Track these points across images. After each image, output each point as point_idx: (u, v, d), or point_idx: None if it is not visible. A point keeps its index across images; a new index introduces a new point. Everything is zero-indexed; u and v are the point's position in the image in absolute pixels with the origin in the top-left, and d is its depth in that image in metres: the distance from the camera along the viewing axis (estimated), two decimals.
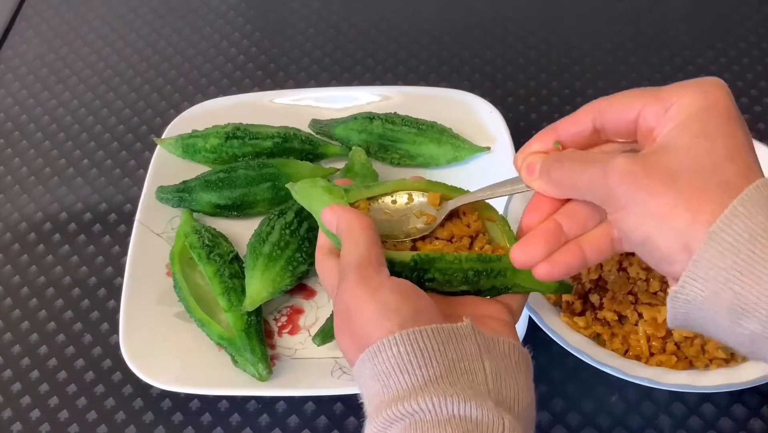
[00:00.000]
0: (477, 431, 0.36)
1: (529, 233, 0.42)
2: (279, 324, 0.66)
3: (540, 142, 0.43)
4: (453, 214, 0.47)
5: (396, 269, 0.44)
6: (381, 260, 0.42)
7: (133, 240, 0.68)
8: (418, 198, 0.48)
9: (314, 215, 0.47)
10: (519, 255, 0.42)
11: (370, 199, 0.47)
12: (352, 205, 0.46)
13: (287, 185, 0.49)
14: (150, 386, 0.62)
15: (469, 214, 0.47)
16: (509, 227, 0.48)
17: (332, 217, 0.45)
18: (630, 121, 0.40)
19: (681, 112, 0.37)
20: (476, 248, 0.46)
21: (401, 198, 0.48)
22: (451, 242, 0.46)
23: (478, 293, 0.46)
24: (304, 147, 0.74)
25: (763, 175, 0.36)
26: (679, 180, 0.36)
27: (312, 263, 0.66)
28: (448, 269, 0.44)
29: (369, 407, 0.40)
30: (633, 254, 0.61)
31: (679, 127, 0.37)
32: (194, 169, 0.72)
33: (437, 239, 0.46)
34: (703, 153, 0.36)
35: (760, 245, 0.34)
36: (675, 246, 0.36)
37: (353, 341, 0.41)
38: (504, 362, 0.40)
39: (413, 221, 0.47)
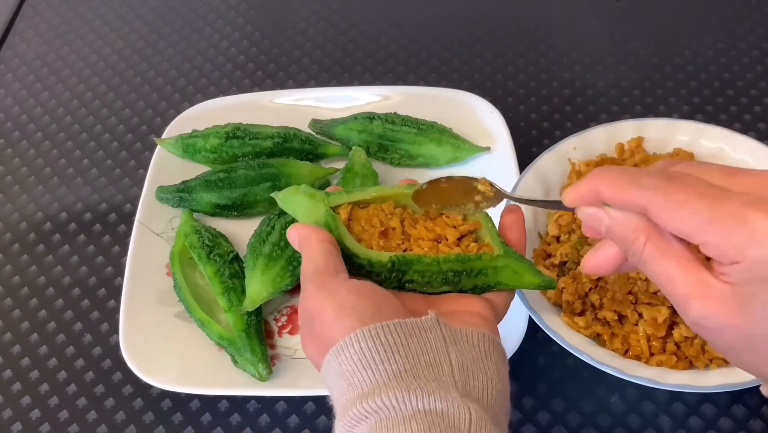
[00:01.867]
0: (443, 423, 0.36)
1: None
2: (279, 324, 0.66)
3: (585, 193, 0.40)
4: (441, 215, 0.48)
5: (375, 270, 0.45)
6: (338, 268, 0.43)
7: (133, 240, 0.68)
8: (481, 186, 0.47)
9: (298, 219, 0.48)
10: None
11: (353, 204, 0.47)
12: (334, 209, 0.46)
13: (272, 195, 0.49)
14: (150, 386, 0.62)
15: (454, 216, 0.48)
16: (493, 224, 0.48)
17: (294, 234, 0.46)
18: (689, 237, 0.36)
19: (753, 272, 0.34)
20: (462, 247, 0.47)
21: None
22: (438, 243, 0.47)
23: (463, 292, 0.46)
24: (304, 147, 0.74)
25: None
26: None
27: None
28: (426, 270, 0.45)
29: (337, 406, 0.40)
30: None
31: (755, 295, 0.34)
32: (194, 169, 0.72)
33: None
34: None
35: None
36: None
37: (317, 345, 0.41)
38: (472, 353, 0.40)
39: (470, 204, 0.47)
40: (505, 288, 0.47)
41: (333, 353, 0.39)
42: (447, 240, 0.47)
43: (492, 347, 0.41)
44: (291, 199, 0.47)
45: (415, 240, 0.47)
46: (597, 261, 0.41)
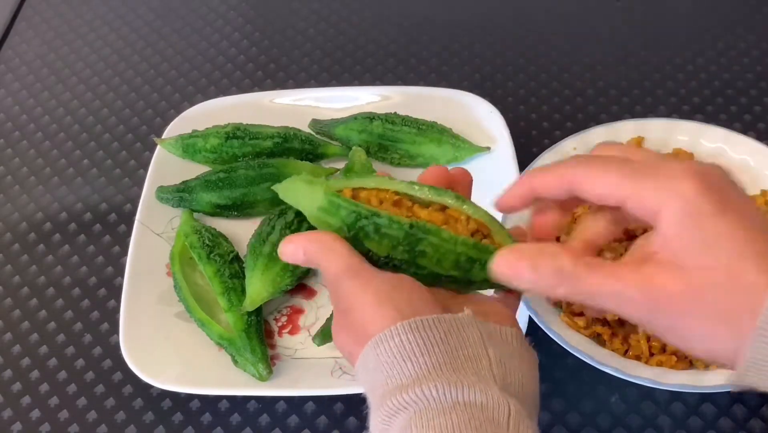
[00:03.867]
0: (482, 416, 0.36)
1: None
2: (279, 324, 0.66)
3: (518, 192, 0.42)
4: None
5: (392, 231, 0.42)
6: (365, 261, 0.42)
7: (133, 240, 0.68)
8: None
9: (303, 212, 0.46)
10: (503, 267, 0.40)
11: (355, 189, 0.45)
12: (336, 193, 0.44)
13: (272, 187, 0.48)
14: (150, 386, 0.62)
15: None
16: (502, 227, 0.46)
17: (293, 247, 0.43)
18: (613, 203, 0.38)
19: (671, 228, 0.36)
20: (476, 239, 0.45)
21: None
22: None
23: (468, 284, 0.44)
24: (304, 147, 0.74)
25: None
26: (705, 301, 0.35)
27: None
28: (441, 246, 0.43)
29: (372, 398, 0.40)
30: None
31: (678, 247, 0.36)
32: (194, 169, 0.72)
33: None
34: (714, 266, 0.35)
35: None
36: (720, 352, 0.36)
37: (351, 334, 0.41)
38: (508, 349, 0.40)
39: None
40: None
41: (372, 344, 0.39)
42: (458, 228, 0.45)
43: (524, 346, 0.42)
44: (290, 188, 0.46)
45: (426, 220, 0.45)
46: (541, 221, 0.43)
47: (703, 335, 0.36)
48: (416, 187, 0.45)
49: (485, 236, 0.44)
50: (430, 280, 0.44)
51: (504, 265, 0.39)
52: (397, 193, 0.45)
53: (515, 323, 0.43)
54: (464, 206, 0.44)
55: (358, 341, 0.40)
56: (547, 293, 0.39)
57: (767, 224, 0.36)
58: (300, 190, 0.45)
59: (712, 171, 0.37)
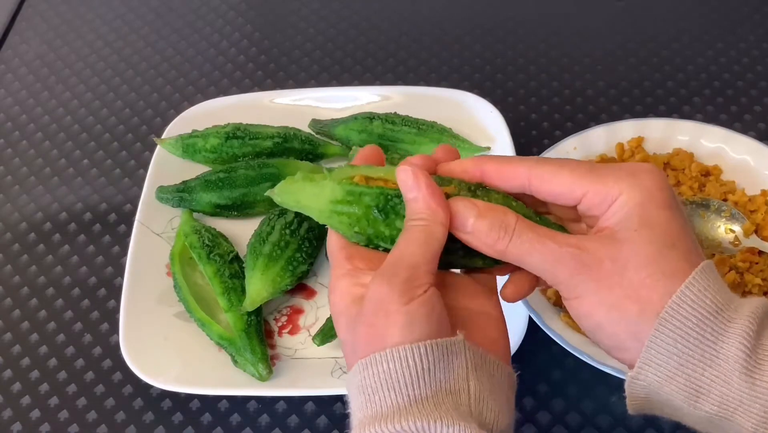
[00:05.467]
0: None
1: None
2: (279, 324, 0.66)
3: (466, 167, 0.43)
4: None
5: None
6: (432, 268, 0.40)
7: (133, 240, 0.68)
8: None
9: (307, 213, 0.43)
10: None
11: (366, 177, 0.43)
12: (352, 181, 0.42)
13: (267, 193, 0.45)
14: (150, 386, 0.62)
15: None
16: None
17: (415, 182, 0.41)
18: (568, 201, 0.41)
19: (624, 206, 0.39)
20: None
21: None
22: None
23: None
24: (304, 147, 0.74)
25: (704, 258, 0.38)
26: (627, 272, 0.38)
27: (312, 263, 0.66)
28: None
29: (353, 419, 0.40)
30: None
31: (624, 221, 0.39)
32: (194, 169, 0.72)
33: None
34: (646, 243, 0.38)
35: (709, 328, 0.36)
36: (626, 335, 0.38)
37: (365, 330, 0.39)
38: (489, 383, 0.40)
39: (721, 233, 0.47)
40: None
41: (360, 366, 0.39)
42: None
43: (506, 378, 0.42)
44: (289, 190, 0.43)
45: None
46: (511, 289, 0.44)
47: (611, 307, 0.38)
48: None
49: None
50: (462, 256, 0.43)
51: (454, 211, 0.41)
52: None
53: (499, 329, 0.43)
54: (477, 190, 0.43)
55: (368, 340, 0.39)
56: (487, 249, 0.40)
57: (694, 231, 0.40)
58: (302, 190, 0.43)
59: (662, 173, 0.40)
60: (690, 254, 0.38)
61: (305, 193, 0.43)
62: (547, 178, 0.41)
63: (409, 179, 0.41)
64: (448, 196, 0.42)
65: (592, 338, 0.40)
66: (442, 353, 0.39)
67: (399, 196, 0.42)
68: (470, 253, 0.43)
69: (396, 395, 0.38)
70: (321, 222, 0.43)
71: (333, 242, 0.44)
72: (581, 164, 0.41)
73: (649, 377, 0.38)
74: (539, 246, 0.39)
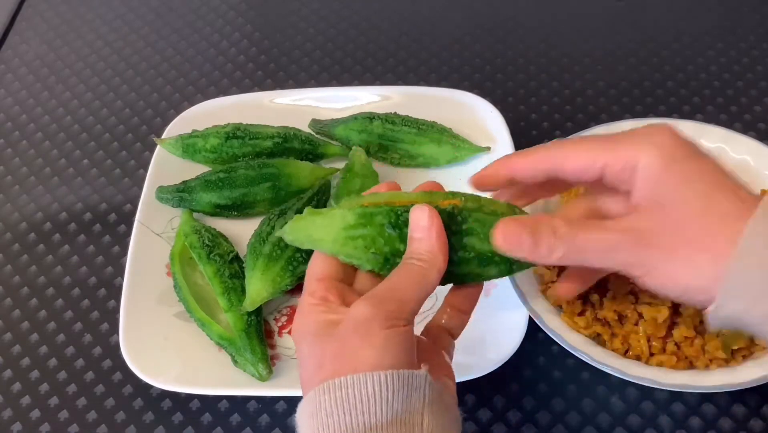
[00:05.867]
0: None
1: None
2: (279, 324, 0.66)
3: (496, 171, 0.45)
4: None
5: None
6: (416, 310, 0.42)
7: (133, 240, 0.68)
8: None
9: (320, 246, 0.44)
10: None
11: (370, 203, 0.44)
12: (361, 205, 0.43)
13: (277, 234, 0.45)
14: (150, 386, 0.62)
15: None
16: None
17: (429, 224, 0.42)
18: (592, 175, 0.42)
19: (649, 171, 0.40)
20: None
21: None
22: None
23: (513, 263, 0.44)
24: (304, 147, 0.74)
25: (751, 191, 0.39)
26: (685, 231, 0.38)
27: None
28: (486, 220, 0.43)
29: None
30: None
31: (658, 186, 0.40)
32: (194, 169, 0.72)
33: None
34: (691, 198, 0.39)
35: None
36: (707, 283, 0.38)
37: (329, 348, 0.40)
38: (442, 420, 0.40)
39: None
40: None
41: (317, 392, 0.39)
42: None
43: (457, 420, 0.42)
44: (299, 228, 0.44)
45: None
46: (566, 287, 0.46)
47: (685, 267, 0.38)
48: (425, 194, 0.45)
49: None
50: (476, 266, 0.44)
51: (505, 232, 0.41)
52: (411, 201, 0.44)
53: (452, 373, 0.45)
54: (481, 200, 0.45)
55: (339, 360, 0.39)
56: (544, 260, 0.41)
57: (730, 170, 0.40)
58: (312, 224, 0.44)
59: (679, 132, 0.42)
60: (737, 193, 0.38)
61: (316, 226, 0.43)
62: (569, 157, 0.42)
63: (423, 220, 0.42)
64: (456, 207, 0.43)
65: (683, 301, 0.41)
66: (402, 384, 0.39)
67: (407, 210, 0.42)
68: (485, 262, 0.44)
69: (351, 420, 0.38)
70: (334, 252, 0.44)
71: (316, 269, 0.44)
72: (597, 138, 0.42)
73: (730, 308, 0.38)
74: (594, 242, 0.40)
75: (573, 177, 0.43)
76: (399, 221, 0.43)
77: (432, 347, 0.46)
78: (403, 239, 0.43)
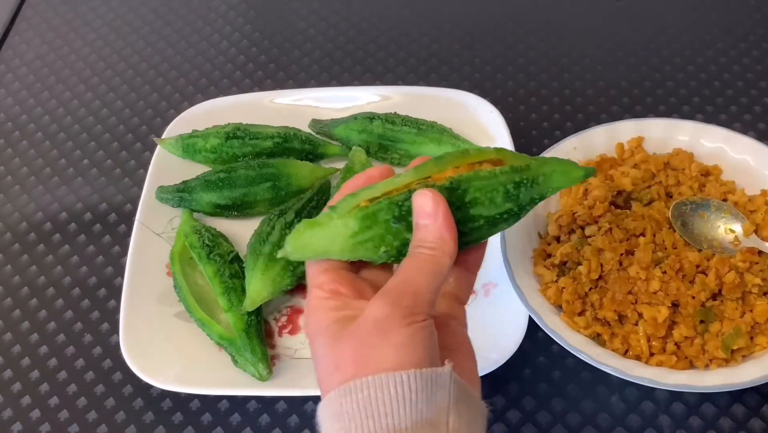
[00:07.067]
0: None
1: None
2: (279, 324, 0.66)
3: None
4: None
5: None
6: (436, 297, 0.41)
7: (133, 240, 0.68)
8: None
9: (328, 257, 0.43)
10: None
11: (371, 200, 0.43)
12: (360, 207, 0.42)
13: (278, 255, 0.44)
14: (150, 386, 0.62)
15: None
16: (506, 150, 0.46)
17: (434, 210, 0.41)
18: None
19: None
20: None
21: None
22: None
23: (521, 210, 0.44)
24: (304, 147, 0.74)
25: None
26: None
27: None
28: (486, 185, 0.42)
29: None
30: (633, 254, 0.61)
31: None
32: (194, 169, 0.72)
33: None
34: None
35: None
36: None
37: (347, 348, 0.39)
38: (467, 417, 0.39)
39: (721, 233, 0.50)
40: (558, 189, 0.45)
41: (338, 393, 0.38)
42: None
43: (481, 413, 0.41)
44: (301, 244, 0.42)
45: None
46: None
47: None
48: (419, 170, 0.43)
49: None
50: (487, 230, 0.43)
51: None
52: (407, 186, 0.43)
53: (475, 363, 0.44)
54: (470, 154, 0.44)
55: (359, 361, 0.38)
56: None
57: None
58: (314, 238, 0.42)
59: None
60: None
61: (318, 239, 0.42)
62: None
63: (427, 205, 0.41)
64: (453, 180, 0.42)
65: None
66: (426, 383, 0.38)
67: (407, 198, 0.42)
68: (495, 223, 0.43)
69: (374, 424, 0.37)
70: (345, 259, 0.43)
71: (316, 264, 0.43)
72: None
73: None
74: None
75: None
76: (402, 212, 0.42)
77: (444, 321, 0.44)
78: (409, 228, 0.42)
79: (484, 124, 0.74)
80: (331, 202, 0.43)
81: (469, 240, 0.44)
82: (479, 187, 0.42)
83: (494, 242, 0.58)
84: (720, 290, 0.59)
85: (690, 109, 0.80)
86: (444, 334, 0.43)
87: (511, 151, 0.45)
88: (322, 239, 0.42)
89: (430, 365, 0.38)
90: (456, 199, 0.42)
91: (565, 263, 0.62)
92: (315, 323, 0.41)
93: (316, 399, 0.62)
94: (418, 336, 0.38)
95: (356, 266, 0.44)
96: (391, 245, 0.42)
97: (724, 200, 0.64)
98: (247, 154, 0.73)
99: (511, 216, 0.44)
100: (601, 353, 0.57)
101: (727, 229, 0.62)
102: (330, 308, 0.41)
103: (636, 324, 0.59)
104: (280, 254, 0.43)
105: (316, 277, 0.43)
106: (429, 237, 0.41)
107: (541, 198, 0.44)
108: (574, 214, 0.64)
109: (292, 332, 0.65)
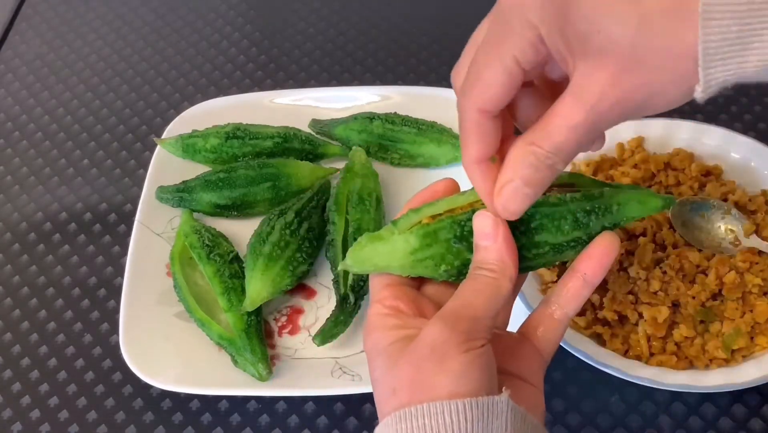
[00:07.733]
0: None
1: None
2: (279, 324, 0.66)
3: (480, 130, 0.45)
4: None
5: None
6: (490, 325, 0.39)
7: (133, 240, 0.68)
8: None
9: (390, 270, 0.42)
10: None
11: (432, 217, 0.43)
12: (421, 225, 0.42)
13: (339, 268, 0.44)
14: (150, 386, 0.62)
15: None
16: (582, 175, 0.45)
17: (494, 231, 0.40)
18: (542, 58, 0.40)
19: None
20: None
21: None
22: None
23: (590, 239, 0.42)
24: (304, 147, 0.74)
25: None
26: (654, 22, 0.33)
27: (312, 263, 0.66)
28: (554, 211, 0.41)
29: None
30: (633, 254, 0.61)
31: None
32: (194, 169, 0.72)
33: None
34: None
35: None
36: (689, 65, 0.32)
37: (408, 370, 0.38)
38: None
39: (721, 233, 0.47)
40: (630, 221, 0.43)
41: (393, 419, 0.37)
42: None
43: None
44: (362, 257, 0.42)
45: None
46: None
47: (666, 51, 0.32)
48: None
49: (578, 191, 0.43)
50: (552, 257, 0.42)
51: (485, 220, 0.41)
52: (471, 205, 0.43)
53: (542, 400, 0.42)
54: None
55: (415, 388, 0.37)
56: (550, 180, 0.39)
57: None
58: (375, 252, 0.42)
59: None
60: None
61: (379, 254, 0.42)
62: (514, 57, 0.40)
63: (487, 227, 0.40)
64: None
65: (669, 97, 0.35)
66: (482, 412, 0.37)
67: (470, 218, 0.41)
68: (561, 249, 0.42)
69: None
70: (405, 275, 0.42)
71: (379, 278, 0.43)
72: (489, 39, 0.42)
73: (720, 72, 0.32)
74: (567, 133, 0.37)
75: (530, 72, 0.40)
76: (464, 232, 0.41)
77: (519, 344, 0.43)
78: (471, 248, 0.41)
79: None
80: (396, 216, 0.43)
81: (532, 265, 0.43)
82: (547, 214, 0.41)
83: None
84: (720, 290, 0.59)
85: (690, 109, 0.80)
86: (517, 355, 0.42)
87: (585, 176, 0.44)
88: (383, 254, 0.42)
89: (487, 392, 0.37)
90: (521, 223, 0.41)
91: (565, 263, 0.62)
92: (373, 343, 0.40)
93: (316, 399, 0.62)
94: (475, 363, 0.38)
95: (418, 282, 0.44)
96: (452, 264, 0.42)
97: (725, 200, 0.64)
98: (247, 154, 0.73)
99: (579, 244, 0.42)
100: (601, 353, 0.57)
101: (727, 229, 0.62)
102: (389, 327, 0.40)
103: (636, 324, 0.59)
104: (340, 267, 0.43)
105: (378, 291, 0.42)
106: (489, 258, 0.40)
107: (614, 227, 0.42)
108: None
109: (291, 332, 0.65)
